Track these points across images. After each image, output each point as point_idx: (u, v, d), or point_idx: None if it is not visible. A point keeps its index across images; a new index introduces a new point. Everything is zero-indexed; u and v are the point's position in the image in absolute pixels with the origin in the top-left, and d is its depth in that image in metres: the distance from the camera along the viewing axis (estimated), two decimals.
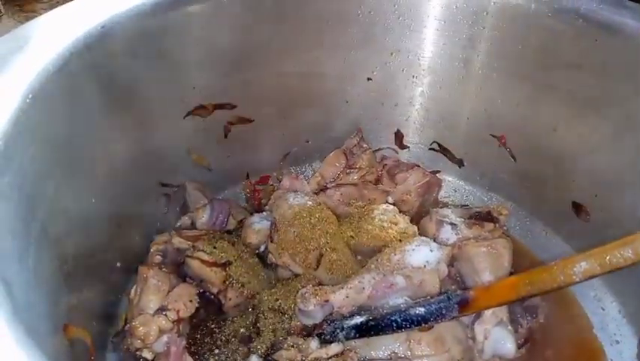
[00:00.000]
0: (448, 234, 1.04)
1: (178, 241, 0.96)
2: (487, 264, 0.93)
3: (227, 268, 0.91)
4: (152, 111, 0.90)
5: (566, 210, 1.05)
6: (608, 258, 0.64)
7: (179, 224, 1.03)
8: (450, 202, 1.21)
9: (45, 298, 0.61)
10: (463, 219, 1.05)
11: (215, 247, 0.93)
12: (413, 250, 0.92)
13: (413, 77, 1.12)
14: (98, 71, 0.76)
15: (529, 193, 1.11)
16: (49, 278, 0.66)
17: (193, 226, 1.03)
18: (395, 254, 0.91)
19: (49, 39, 0.71)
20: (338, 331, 0.83)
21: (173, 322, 0.84)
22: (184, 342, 0.84)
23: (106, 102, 0.79)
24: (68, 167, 0.71)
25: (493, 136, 1.12)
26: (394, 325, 0.80)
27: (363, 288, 0.87)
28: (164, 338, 0.84)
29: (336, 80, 1.12)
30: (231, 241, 0.99)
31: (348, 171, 1.15)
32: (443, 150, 1.20)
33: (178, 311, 0.85)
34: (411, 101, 1.16)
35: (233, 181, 1.17)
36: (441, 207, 1.13)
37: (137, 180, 0.93)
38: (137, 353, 0.83)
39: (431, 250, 0.92)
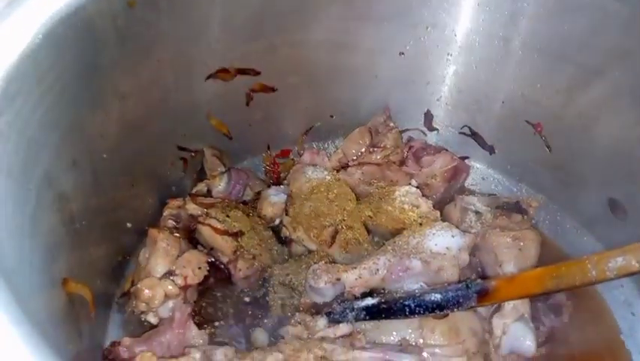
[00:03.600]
0: (472, 222, 0.99)
1: (192, 207, 0.94)
2: (512, 255, 0.88)
3: (238, 238, 0.88)
4: (171, 69, 0.87)
5: (601, 206, 0.99)
6: None
7: (194, 190, 1.01)
8: (477, 190, 1.15)
9: (44, 249, 0.59)
10: (489, 209, 1.00)
11: (228, 216, 0.90)
12: (434, 234, 0.87)
13: (448, 54, 1.06)
14: (116, 21, 0.73)
15: (563, 186, 1.05)
16: (52, 230, 0.64)
17: (209, 193, 1.01)
18: (414, 237, 0.87)
19: None
20: (348, 311, 0.79)
21: (180, 288, 0.82)
22: (189, 309, 0.82)
23: (123, 54, 0.76)
24: (77, 118, 0.69)
25: (529, 123, 1.05)
26: (407, 310, 0.76)
27: (378, 270, 0.83)
28: (170, 303, 0.82)
29: (367, 53, 1.06)
30: (246, 212, 0.96)
31: (371, 149, 1.10)
32: (474, 135, 1.14)
33: (186, 277, 0.83)
34: (444, 79, 1.10)
35: (253, 152, 1.13)
36: (467, 195, 1.08)
37: (153, 140, 0.91)
38: (142, 316, 0.81)
39: (453, 236, 0.87)
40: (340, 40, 1.03)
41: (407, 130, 1.18)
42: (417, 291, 0.78)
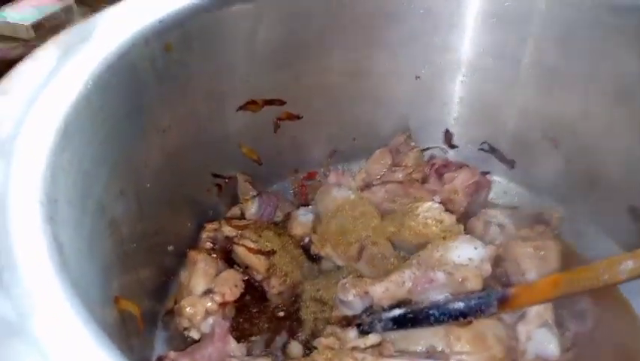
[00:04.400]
0: (495, 235, 1.03)
1: (227, 230, 1.00)
2: (534, 265, 0.91)
3: (271, 257, 0.94)
4: (204, 103, 0.95)
5: (623, 214, 1.01)
6: None
7: (229, 214, 1.08)
8: (500, 204, 1.18)
9: (99, 270, 0.66)
10: (511, 221, 1.03)
11: (260, 236, 0.96)
12: (456, 246, 0.91)
13: (463, 75, 1.12)
14: (154, 64, 0.81)
15: (584, 196, 1.07)
16: (106, 254, 0.71)
17: (243, 216, 1.07)
18: (437, 250, 0.91)
19: (110, 32, 0.76)
20: (376, 322, 0.83)
21: (218, 305, 0.88)
22: (228, 324, 0.87)
23: (161, 93, 0.84)
24: (124, 152, 0.76)
25: (547, 137, 1.09)
26: (432, 318, 0.79)
27: (404, 282, 0.87)
28: (210, 319, 0.87)
29: (385, 78, 1.12)
30: (277, 232, 1.02)
31: (394, 169, 1.15)
32: (493, 151, 1.18)
33: (224, 295, 0.89)
34: (460, 99, 1.15)
35: (282, 176, 1.19)
36: (490, 209, 1.11)
37: (190, 169, 0.98)
38: (185, 332, 0.87)
39: (475, 248, 0.90)
40: (359, 67, 1.09)
41: (428, 149, 1.22)
42: (441, 300, 0.82)
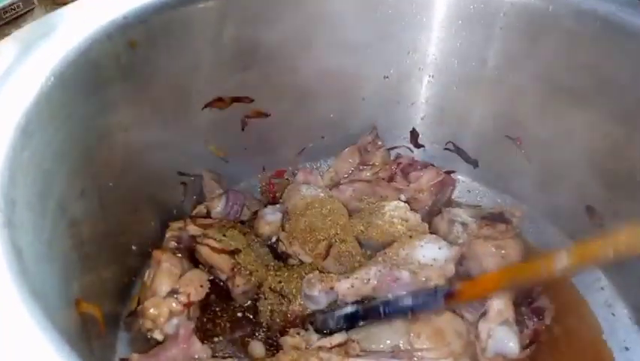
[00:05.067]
0: (459, 233, 1.05)
1: (192, 229, 0.99)
2: (495, 263, 0.94)
3: (235, 256, 0.93)
4: (170, 101, 0.93)
5: (581, 214, 1.04)
6: (588, 253, 0.66)
7: (194, 212, 1.06)
8: (463, 202, 1.20)
9: (59, 272, 0.64)
10: (474, 220, 1.06)
11: (225, 235, 0.96)
12: (422, 246, 0.93)
13: (430, 76, 1.13)
14: (119, 60, 0.79)
15: (544, 196, 1.10)
16: (66, 255, 0.69)
17: (208, 215, 1.06)
18: (403, 249, 0.93)
19: (72, 27, 0.74)
20: (329, 319, 0.85)
21: (183, 305, 0.87)
22: (193, 325, 0.86)
23: (125, 90, 0.82)
24: (85, 149, 0.75)
25: (509, 137, 1.11)
26: (381, 314, 0.83)
27: (369, 279, 0.88)
28: (175, 320, 0.86)
29: (353, 78, 1.13)
30: (243, 231, 1.01)
31: (361, 167, 1.16)
32: (458, 150, 1.20)
33: (189, 295, 0.88)
34: (427, 99, 1.17)
35: (249, 174, 1.19)
36: (453, 207, 1.13)
37: (155, 168, 0.96)
38: (148, 333, 0.86)
39: (440, 248, 0.93)
40: (327, 67, 1.09)
41: (395, 148, 1.24)
42: (390, 296, 0.85)
